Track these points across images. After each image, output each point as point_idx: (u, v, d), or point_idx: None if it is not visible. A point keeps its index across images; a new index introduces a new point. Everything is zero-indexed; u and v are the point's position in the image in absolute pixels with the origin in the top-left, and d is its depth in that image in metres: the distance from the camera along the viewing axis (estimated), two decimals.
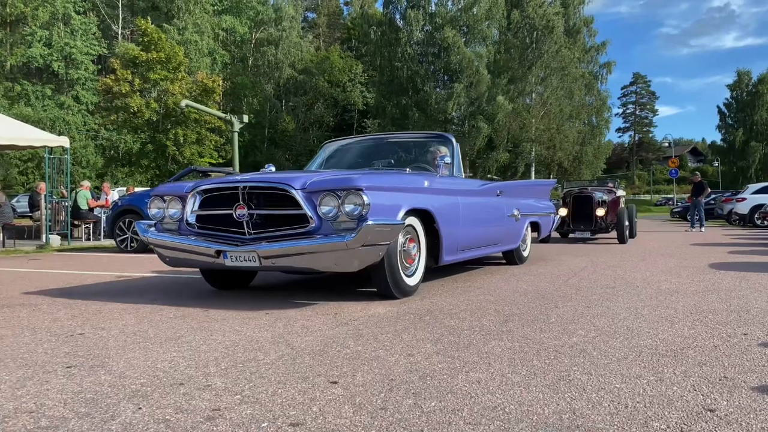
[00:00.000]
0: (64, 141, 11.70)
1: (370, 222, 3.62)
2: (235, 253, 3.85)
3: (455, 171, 5.46)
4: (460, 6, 36.15)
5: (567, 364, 2.46)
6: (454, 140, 5.69)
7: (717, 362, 2.49)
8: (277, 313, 3.71)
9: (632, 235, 11.87)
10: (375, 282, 4.15)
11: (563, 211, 11.42)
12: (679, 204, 30.18)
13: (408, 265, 4.26)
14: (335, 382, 2.23)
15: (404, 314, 3.65)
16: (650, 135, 76.32)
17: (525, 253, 6.96)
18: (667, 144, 46.31)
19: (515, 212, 6.28)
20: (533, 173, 35.43)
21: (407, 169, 5.01)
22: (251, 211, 3.95)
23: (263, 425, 1.81)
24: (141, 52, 32.24)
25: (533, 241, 7.46)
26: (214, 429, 1.78)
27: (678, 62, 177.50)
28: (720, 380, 2.23)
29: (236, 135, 16.13)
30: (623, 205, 12.10)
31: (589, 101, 38.32)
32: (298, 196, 3.79)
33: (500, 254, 6.73)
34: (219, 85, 34.45)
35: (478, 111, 35.07)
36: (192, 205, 4.20)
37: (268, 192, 3.95)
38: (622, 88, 77.65)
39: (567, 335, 3.03)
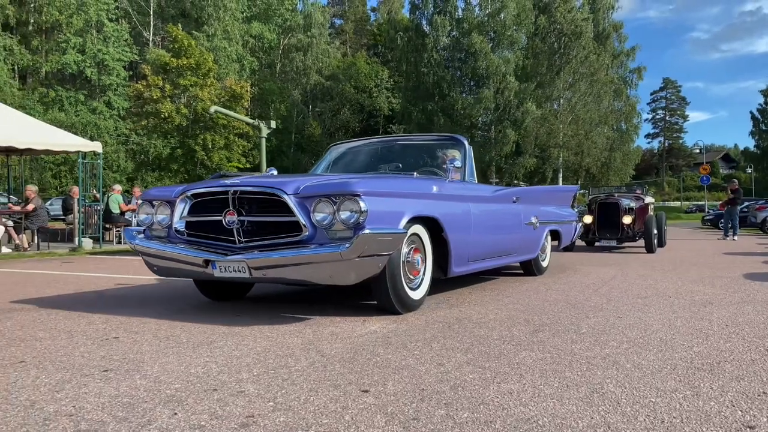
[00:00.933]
0: (97, 146, 11.94)
1: (366, 231, 3.34)
2: (224, 263, 3.58)
3: (467, 175, 5.13)
4: (487, 11, 36.05)
5: (600, 377, 2.43)
6: (466, 143, 5.35)
7: (755, 377, 2.44)
8: (305, 319, 3.73)
9: (661, 244, 11.54)
10: (375, 295, 3.88)
11: (588, 219, 11.20)
12: (711, 211, 29.60)
13: (412, 278, 3.98)
14: (366, 391, 2.24)
15: (433, 323, 3.64)
16: (680, 141, 75.11)
17: (544, 264, 6.64)
18: (698, 150, 45.51)
19: (533, 220, 5.95)
20: (561, 179, 35.08)
21: (414, 174, 4.71)
22: (242, 218, 3.68)
23: None
24: (171, 59, 32.76)
25: (553, 250, 7.15)
26: None
27: (709, 67, 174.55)
28: (759, 396, 2.19)
29: (264, 140, 16.28)
30: (652, 213, 11.83)
31: (618, 107, 37.83)
32: (290, 201, 3.52)
33: (518, 264, 6.42)
34: (247, 91, 34.83)
35: (505, 116, 34.89)
36: (181, 210, 3.94)
37: (260, 197, 3.69)
38: (651, 94, 76.63)
39: (599, 346, 2.99)
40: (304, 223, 3.49)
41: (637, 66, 38.94)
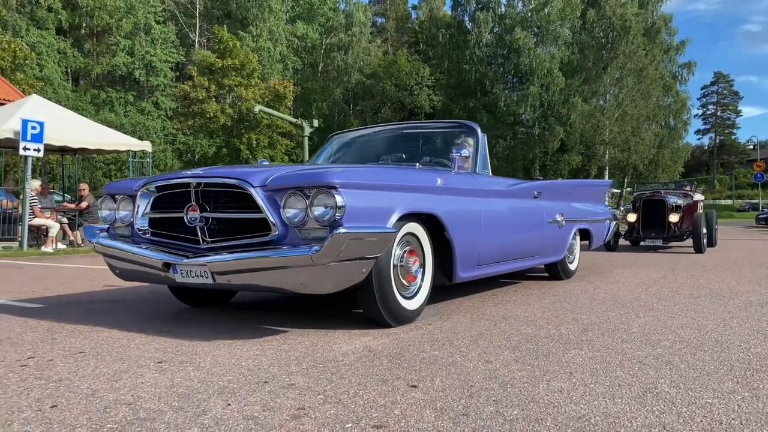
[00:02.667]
0: (146, 145, 12.29)
1: (342, 230, 2.82)
2: (185, 267, 3.13)
3: (478, 167, 4.51)
4: (531, 7, 35.59)
5: (653, 376, 2.38)
6: (479, 130, 4.71)
7: None
8: (352, 315, 3.76)
9: (711, 244, 11.06)
10: (362, 305, 3.36)
11: (632, 217, 10.88)
12: (765, 210, 28.55)
13: (407, 285, 3.45)
14: (415, 386, 2.25)
15: (479, 320, 3.62)
16: (733, 137, 72.66)
17: (572, 267, 6.02)
18: (752, 146, 43.93)
19: (558, 218, 5.34)
20: (606, 177, 34.36)
21: (417, 165, 4.25)
22: (205, 215, 3.21)
23: (347, 426, 1.84)
24: (217, 59, 33.40)
25: (583, 250, 6.51)
26: (301, 428, 1.83)
27: (764, 60, 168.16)
28: None
29: (306, 139, 16.48)
30: (701, 211, 11.41)
31: (667, 102, 36.80)
32: (257, 195, 3.02)
33: (542, 267, 5.86)
34: (290, 90, 35.24)
35: (550, 113, 34.39)
36: (143, 206, 3.51)
37: (225, 190, 3.20)
38: (702, 89, 74.35)
39: (651, 346, 2.93)
40: (272, 220, 2.98)
41: (687, 61, 37.83)
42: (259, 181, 3.07)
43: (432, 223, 3.56)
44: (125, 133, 21.74)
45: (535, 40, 35.04)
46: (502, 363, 2.59)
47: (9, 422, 1.86)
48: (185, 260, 3.11)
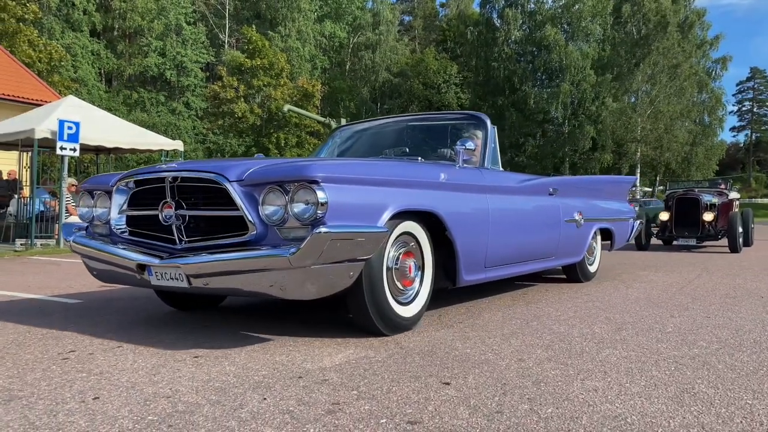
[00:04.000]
0: (178, 144, 12.48)
1: (324, 229, 2.56)
2: (159, 269, 2.90)
3: (487, 161, 4.16)
4: (561, 3, 35.19)
5: (690, 377, 2.35)
6: (488, 122, 4.35)
7: None
8: None
9: (747, 243, 10.80)
10: (352, 311, 3.08)
11: (665, 216, 10.69)
12: None
13: (403, 289, 3.17)
14: (447, 383, 2.25)
15: (510, 319, 3.61)
16: None
17: (592, 268, 5.65)
18: None
19: (576, 216, 4.99)
20: (638, 175, 33.82)
21: (419, 159, 3.94)
22: (180, 212, 2.97)
23: (382, 421, 1.86)
24: (246, 60, 33.77)
25: (605, 249, 6.05)
26: (336, 422, 1.85)
27: None
28: None
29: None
30: (736, 209, 11.16)
31: (701, 99, 36.02)
32: (233, 190, 2.77)
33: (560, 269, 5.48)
34: (318, 89, 35.45)
35: (580, 111, 33.98)
36: (120, 202, 3.26)
37: (201, 185, 2.94)
38: (737, 84, 72.58)
39: (687, 346, 2.88)
40: (250, 218, 2.73)
41: (721, 56, 36.98)
42: (236, 175, 2.81)
43: (432, 221, 3.29)
44: (157, 132, 22.15)
45: (565, 36, 34.63)
46: (535, 361, 2.58)
47: (54, 413, 1.91)
48: (159, 262, 2.89)
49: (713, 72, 36.81)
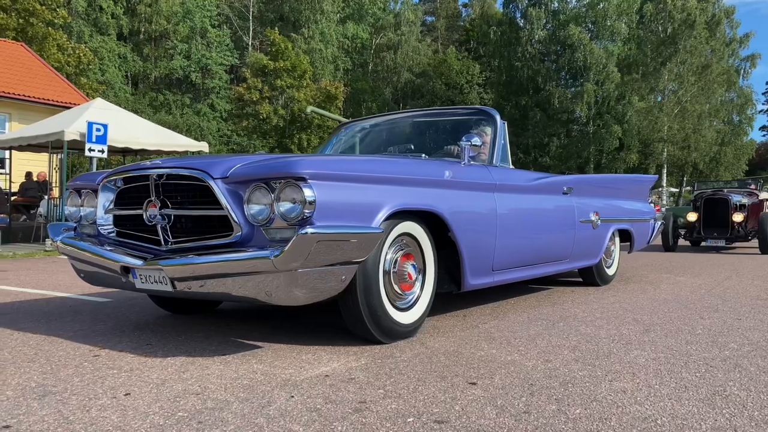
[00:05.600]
0: (203, 146, 12.62)
1: (310, 230, 2.39)
2: (144, 272, 2.76)
3: (495, 158, 3.95)
4: (585, 2, 34.84)
5: (721, 379, 2.31)
6: (498, 117, 4.13)
7: None
8: None
9: None
10: (345, 318, 2.89)
11: (693, 216, 10.54)
12: None
13: (401, 293, 2.99)
14: (474, 383, 2.25)
15: (536, 320, 3.58)
16: None
17: (610, 271, 5.38)
18: None
19: (592, 217, 4.76)
20: (664, 175, 33.31)
21: (423, 155, 3.77)
22: (165, 211, 2.82)
23: (409, 420, 1.86)
24: (269, 62, 34.03)
25: (624, 251, 5.80)
26: (363, 421, 1.85)
27: None
28: None
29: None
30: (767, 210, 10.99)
31: (730, 97, 35.34)
32: (217, 188, 2.61)
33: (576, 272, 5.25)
34: (341, 91, 35.58)
35: (605, 110, 33.59)
36: (106, 202, 3.13)
37: (186, 183, 2.79)
38: (767, 83, 71.07)
39: (717, 348, 2.84)
40: (235, 218, 2.58)
41: (750, 53, 36.23)
42: (220, 172, 2.65)
43: (434, 222, 3.11)
44: (182, 134, 22.45)
45: (589, 35, 34.27)
46: (561, 362, 2.56)
47: (87, 408, 1.95)
48: (142, 264, 2.74)
49: (742, 70, 36.11)
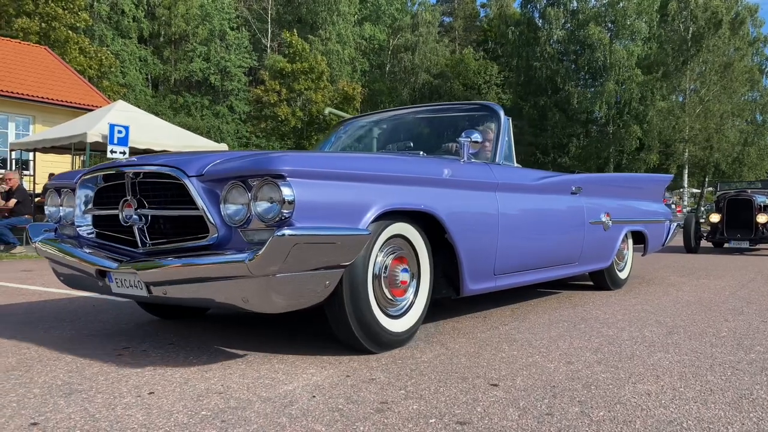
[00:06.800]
0: (223, 147, 12.75)
1: (287, 232, 2.21)
2: (119, 275, 2.62)
3: (499, 156, 3.74)
4: (605, 1, 34.55)
5: (747, 382, 2.28)
6: (502, 113, 3.91)
7: None
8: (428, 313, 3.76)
9: None
10: (332, 325, 2.70)
11: (716, 217, 10.41)
12: None
13: (393, 299, 2.81)
14: (495, 385, 2.24)
15: (557, 322, 3.56)
16: None
17: (622, 275, 5.15)
18: None
19: (603, 218, 4.55)
20: (686, 176, 32.89)
21: (420, 153, 3.59)
22: (142, 211, 2.67)
23: (431, 421, 1.86)
24: (287, 64, 34.23)
25: (638, 252, 5.51)
26: (385, 421, 1.86)
27: None
28: None
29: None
30: None
31: (753, 97, 34.77)
32: (192, 187, 2.46)
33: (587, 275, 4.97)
34: (359, 92, 35.68)
35: (626, 110, 33.26)
36: (84, 201, 2.97)
37: (161, 182, 2.64)
38: None
39: (743, 351, 2.79)
40: (210, 219, 2.42)
41: None
42: (195, 169, 2.50)
43: (430, 223, 2.94)
44: (201, 136, 22.65)
45: (609, 35, 33.97)
46: (584, 364, 2.54)
47: (113, 406, 1.98)
48: (117, 267, 2.60)
49: (765, 68, 35.54)
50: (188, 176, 2.49)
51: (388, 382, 2.26)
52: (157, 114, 29.27)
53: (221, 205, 2.41)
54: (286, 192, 2.26)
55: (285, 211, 2.26)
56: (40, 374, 2.36)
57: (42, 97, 16.54)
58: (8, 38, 21.41)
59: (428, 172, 3.04)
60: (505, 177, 3.59)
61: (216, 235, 2.42)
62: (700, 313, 3.85)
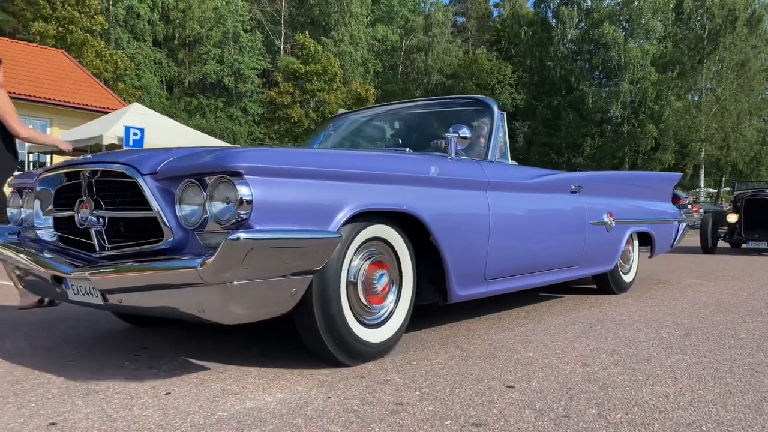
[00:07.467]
0: None
1: (242, 236, 1.99)
2: (75, 281, 2.41)
3: (491, 153, 3.51)
4: (619, 0, 34.34)
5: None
6: (495, 108, 3.67)
7: None
8: (439, 314, 3.76)
9: None
10: (302, 336, 2.48)
11: (733, 218, 10.29)
12: None
13: (370, 307, 2.59)
14: (511, 387, 2.22)
15: (573, 323, 3.53)
16: None
17: (627, 278, 4.89)
18: None
19: (606, 218, 4.30)
20: (702, 176, 32.57)
21: (407, 150, 3.41)
22: (98, 213, 2.47)
23: (446, 423, 1.85)
24: (300, 65, 34.38)
25: (642, 253, 5.20)
26: (400, 422, 1.85)
27: None
28: None
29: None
30: None
31: None
32: (145, 186, 2.27)
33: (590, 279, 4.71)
34: (372, 93, 35.74)
35: (641, 110, 33.01)
36: (43, 202, 2.78)
37: (118, 180, 2.43)
38: None
39: (763, 353, 2.76)
40: (166, 221, 2.23)
41: None
42: (149, 167, 2.30)
43: (413, 225, 2.72)
44: (215, 137, 22.79)
45: (624, 34, 33.74)
46: (600, 366, 2.52)
47: (130, 406, 1.99)
48: (73, 273, 2.39)
49: None
50: (142, 174, 2.29)
51: (403, 384, 2.26)
52: (171, 116, 29.51)
53: (176, 206, 2.22)
54: (243, 191, 2.06)
55: (242, 212, 2.06)
56: (59, 374, 2.38)
57: (59, 100, 16.74)
58: (26, 42, 21.69)
59: (410, 169, 2.83)
60: (497, 175, 3.36)
61: (171, 238, 2.23)
62: (718, 315, 3.80)
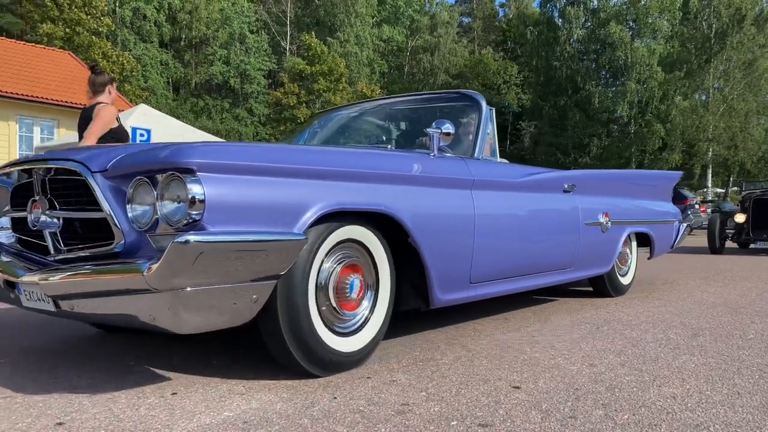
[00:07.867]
0: None
1: (190, 238, 1.84)
2: (27, 287, 2.26)
3: (478, 150, 3.32)
4: None
5: None
6: (484, 103, 3.48)
7: None
8: (446, 315, 3.76)
9: None
10: (267, 343, 2.31)
11: (741, 218, 10.24)
12: None
13: (342, 315, 2.44)
14: (518, 387, 2.22)
15: (579, 324, 3.52)
16: None
17: (625, 280, 4.73)
18: None
19: (601, 218, 4.12)
20: (709, 176, 32.40)
21: (388, 146, 3.33)
22: (52, 213, 2.33)
23: (453, 423, 1.85)
24: (306, 66, 34.42)
25: (641, 254, 5.05)
26: (406, 423, 1.85)
27: None
28: None
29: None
30: None
31: None
32: (95, 184, 2.13)
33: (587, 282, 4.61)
34: (377, 94, 35.73)
35: (648, 109, 32.88)
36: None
37: (69, 179, 2.29)
38: None
39: None
40: (116, 222, 2.09)
41: None
42: (99, 164, 2.16)
43: (392, 225, 2.55)
44: (221, 138, 22.84)
45: (631, 33, 33.62)
46: (607, 366, 2.51)
47: (137, 407, 2.00)
48: (23, 277, 2.23)
49: None
50: (92, 172, 2.15)
51: (409, 384, 2.25)
52: (178, 117, 29.59)
53: (128, 206, 2.08)
54: (195, 189, 1.90)
55: (193, 212, 1.91)
56: (65, 374, 2.39)
57: (66, 102, 16.81)
58: (33, 44, 21.80)
59: (388, 167, 2.65)
60: (483, 173, 3.17)
61: (123, 241, 2.08)
62: (726, 315, 3.78)
